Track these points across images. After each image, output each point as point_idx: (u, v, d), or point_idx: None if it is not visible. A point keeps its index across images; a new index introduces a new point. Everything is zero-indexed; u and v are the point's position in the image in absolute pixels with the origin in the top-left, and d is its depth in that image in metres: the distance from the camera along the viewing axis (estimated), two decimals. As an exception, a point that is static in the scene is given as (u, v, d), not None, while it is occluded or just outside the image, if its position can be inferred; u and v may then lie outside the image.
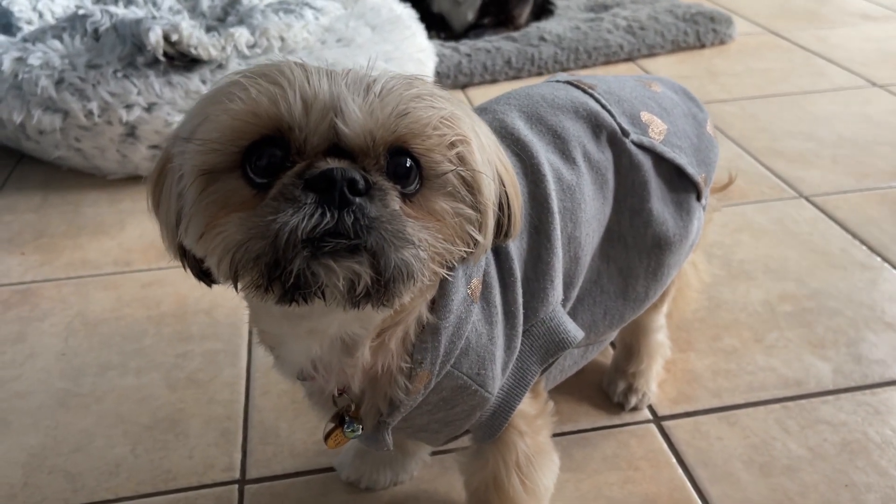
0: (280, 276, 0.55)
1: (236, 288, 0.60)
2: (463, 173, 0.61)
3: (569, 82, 0.93)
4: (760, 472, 0.98)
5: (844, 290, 1.31)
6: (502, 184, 0.66)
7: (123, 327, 1.30)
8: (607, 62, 2.39)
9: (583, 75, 0.96)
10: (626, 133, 0.87)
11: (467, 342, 0.74)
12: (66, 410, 1.12)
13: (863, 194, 1.61)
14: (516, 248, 0.79)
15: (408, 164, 0.59)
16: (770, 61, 2.37)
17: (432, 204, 0.60)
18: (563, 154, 0.84)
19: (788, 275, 1.36)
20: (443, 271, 0.62)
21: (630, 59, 2.42)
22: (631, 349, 1.09)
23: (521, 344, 0.79)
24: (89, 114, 1.65)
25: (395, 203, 0.57)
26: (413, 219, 0.58)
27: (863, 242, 1.44)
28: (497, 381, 0.77)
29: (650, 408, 1.09)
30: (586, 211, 0.83)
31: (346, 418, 0.76)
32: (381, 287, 0.57)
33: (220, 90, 0.60)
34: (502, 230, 0.68)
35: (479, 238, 0.64)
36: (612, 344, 1.12)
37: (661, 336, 1.10)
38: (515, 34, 2.45)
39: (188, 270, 0.67)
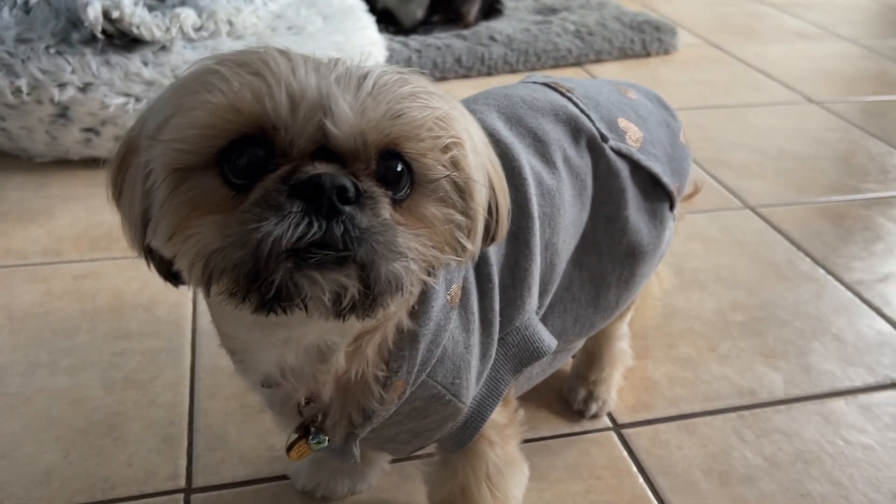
0: (260, 287, 0.51)
1: (208, 294, 0.55)
2: (456, 179, 0.58)
3: (546, 84, 0.90)
4: (720, 482, 0.98)
5: (792, 301, 1.34)
6: (492, 187, 0.63)
7: (53, 322, 1.21)
8: (556, 65, 2.40)
9: (559, 77, 0.94)
10: (605, 139, 0.85)
11: (444, 350, 0.71)
12: (-9, 413, 1.04)
13: (804, 207, 1.66)
14: (495, 253, 0.76)
15: (399, 169, 0.56)
16: (713, 73, 2.42)
17: (423, 210, 0.57)
18: (543, 157, 0.81)
19: (739, 284, 1.38)
20: (430, 280, 0.58)
21: (578, 63, 2.43)
22: (593, 357, 1.08)
23: (496, 352, 0.77)
24: (17, 91, 1.54)
25: (386, 211, 0.54)
26: (402, 226, 0.55)
27: (806, 254, 1.48)
28: (471, 390, 0.75)
29: (610, 415, 1.08)
30: (565, 217, 0.81)
31: (312, 429, 0.72)
32: (369, 300, 0.53)
33: (196, 79, 0.55)
34: (489, 234, 0.65)
35: (468, 245, 0.61)
36: (573, 351, 1.11)
37: (623, 344, 1.09)
38: (465, 32, 2.43)
39: (152, 269, 0.61)
